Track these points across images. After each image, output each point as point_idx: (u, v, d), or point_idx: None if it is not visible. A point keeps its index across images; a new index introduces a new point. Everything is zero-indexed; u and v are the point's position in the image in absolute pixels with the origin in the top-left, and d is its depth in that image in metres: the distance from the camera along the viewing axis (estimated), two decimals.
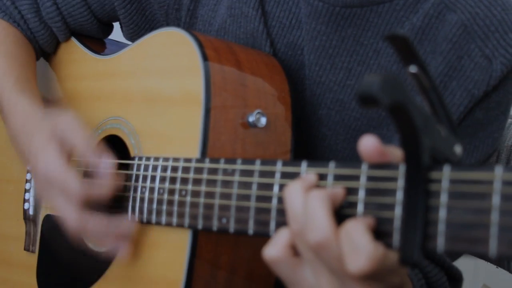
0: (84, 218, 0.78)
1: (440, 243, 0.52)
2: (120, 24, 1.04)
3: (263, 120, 0.78)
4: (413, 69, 0.54)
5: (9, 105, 0.92)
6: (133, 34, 1.02)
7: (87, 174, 0.84)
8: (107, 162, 0.79)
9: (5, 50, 0.99)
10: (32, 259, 1.00)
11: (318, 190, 0.57)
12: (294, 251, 0.60)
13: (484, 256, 0.51)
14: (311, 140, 0.88)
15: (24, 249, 1.02)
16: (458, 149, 0.55)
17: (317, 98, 0.87)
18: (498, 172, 0.49)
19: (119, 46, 1.05)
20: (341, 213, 0.58)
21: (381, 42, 0.83)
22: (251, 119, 0.78)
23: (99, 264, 0.87)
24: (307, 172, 0.62)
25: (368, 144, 0.55)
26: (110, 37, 1.10)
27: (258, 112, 0.78)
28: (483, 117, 0.82)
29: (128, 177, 0.84)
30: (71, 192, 0.78)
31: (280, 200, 0.64)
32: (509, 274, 0.98)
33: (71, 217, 0.79)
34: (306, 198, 0.57)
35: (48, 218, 0.99)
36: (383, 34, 0.83)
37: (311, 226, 0.56)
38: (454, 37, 0.80)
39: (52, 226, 0.98)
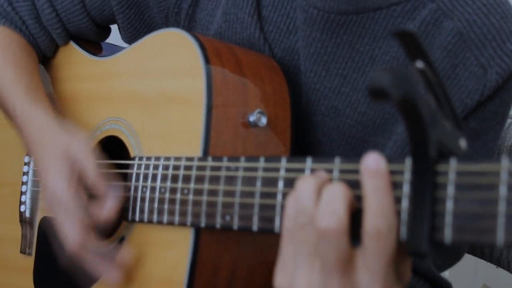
0: (85, 241, 0.81)
1: (447, 234, 0.53)
2: (119, 27, 1.04)
3: (264, 120, 0.79)
4: (419, 64, 0.55)
5: (23, 117, 0.93)
6: (132, 37, 1.02)
7: (93, 197, 0.85)
8: (115, 190, 0.82)
9: (11, 57, 0.99)
10: (28, 262, 1.00)
11: (343, 186, 0.57)
12: None
13: (491, 246, 0.51)
14: (306, 147, 0.88)
15: (20, 252, 1.02)
16: (463, 143, 0.56)
17: (312, 104, 0.87)
18: (505, 163, 0.50)
19: (117, 49, 1.05)
20: None
21: (377, 49, 0.82)
22: (252, 118, 0.79)
23: None
24: (312, 168, 0.63)
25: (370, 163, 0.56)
26: (108, 40, 1.10)
27: (259, 112, 0.79)
28: (477, 127, 0.81)
29: (128, 177, 0.84)
30: (76, 216, 0.81)
31: (285, 195, 0.65)
32: (509, 274, 0.98)
33: (73, 238, 0.82)
34: (325, 189, 0.56)
35: (45, 221, 0.99)
36: (380, 41, 0.82)
37: (327, 211, 0.55)
38: (449, 45, 0.78)
39: (48, 228, 0.98)
